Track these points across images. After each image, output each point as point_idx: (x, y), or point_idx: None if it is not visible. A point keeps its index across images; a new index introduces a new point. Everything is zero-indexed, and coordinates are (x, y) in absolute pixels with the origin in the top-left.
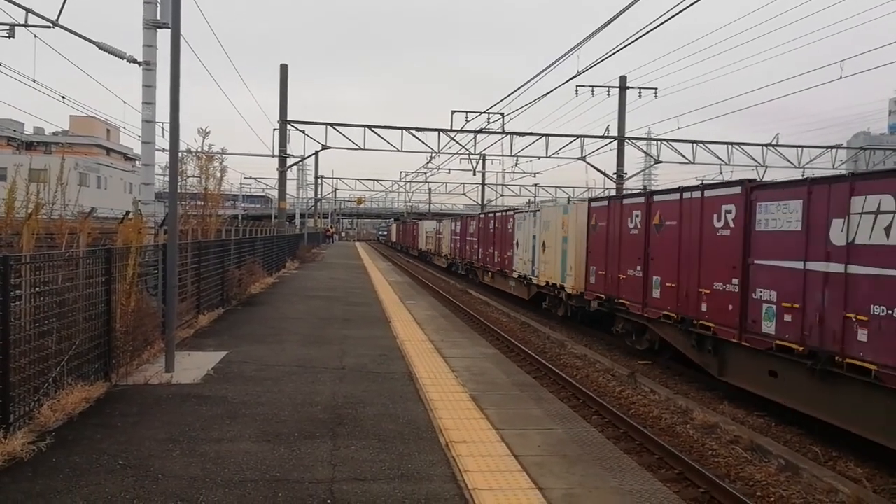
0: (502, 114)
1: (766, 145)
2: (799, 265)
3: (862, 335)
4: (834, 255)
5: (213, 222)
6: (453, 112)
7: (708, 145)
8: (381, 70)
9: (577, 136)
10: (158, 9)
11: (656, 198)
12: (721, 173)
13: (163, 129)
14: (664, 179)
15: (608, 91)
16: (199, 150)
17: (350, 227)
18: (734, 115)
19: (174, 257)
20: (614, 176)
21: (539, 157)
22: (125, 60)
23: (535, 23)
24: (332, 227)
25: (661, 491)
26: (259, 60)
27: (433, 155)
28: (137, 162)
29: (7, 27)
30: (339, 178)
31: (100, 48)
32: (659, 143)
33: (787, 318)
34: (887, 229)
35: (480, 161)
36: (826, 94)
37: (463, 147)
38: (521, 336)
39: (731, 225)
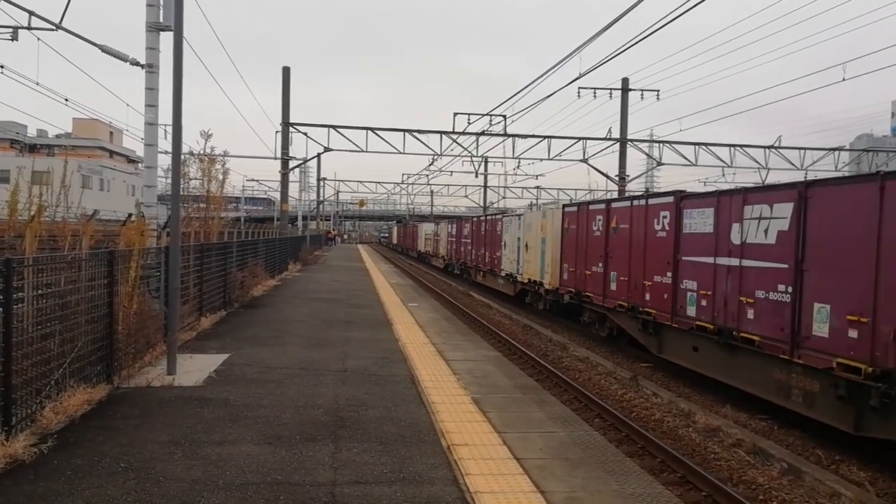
0: (504, 116)
1: (769, 147)
2: (711, 260)
3: (750, 314)
4: (733, 252)
5: (216, 224)
6: (455, 114)
7: (710, 147)
8: (381, 70)
9: (580, 139)
10: (161, 11)
11: (614, 205)
12: (724, 175)
13: (165, 131)
14: (667, 181)
15: (610, 93)
16: (202, 152)
17: (352, 229)
18: (737, 117)
19: (176, 260)
20: (616, 178)
21: (541, 160)
22: (128, 63)
23: (536, 23)
24: (334, 230)
25: (664, 494)
26: (259, 61)
27: (435, 157)
28: (140, 164)
29: (10, 30)
30: (342, 181)
31: (103, 51)
32: (661, 145)
33: (703, 303)
34: (766, 231)
35: (483, 163)
36: (829, 97)
37: (465, 149)
38: (522, 339)
39: (667, 228)
